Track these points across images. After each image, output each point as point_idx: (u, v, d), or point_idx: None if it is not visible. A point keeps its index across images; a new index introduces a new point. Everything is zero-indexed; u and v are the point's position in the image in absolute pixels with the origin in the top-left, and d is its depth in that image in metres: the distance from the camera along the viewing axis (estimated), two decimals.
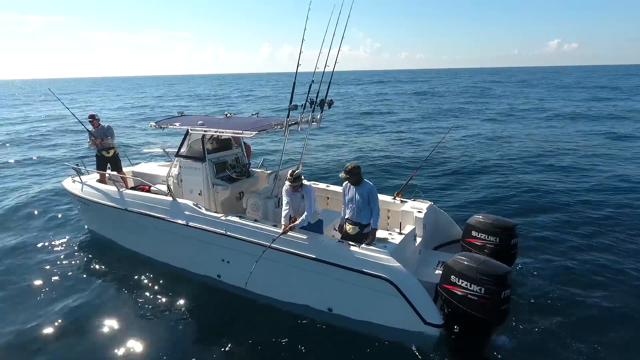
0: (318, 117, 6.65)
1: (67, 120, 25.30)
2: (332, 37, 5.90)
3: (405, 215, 6.67)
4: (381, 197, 6.57)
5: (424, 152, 17.90)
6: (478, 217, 6.20)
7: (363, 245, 5.25)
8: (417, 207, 6.68)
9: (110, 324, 5.78)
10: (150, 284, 6.80)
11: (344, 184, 5.72)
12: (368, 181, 5.58)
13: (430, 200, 6.97)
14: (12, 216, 9.96)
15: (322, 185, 7.83)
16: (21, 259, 7.76)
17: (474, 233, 6.12)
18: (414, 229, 6.12)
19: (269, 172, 7.10)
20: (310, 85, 6.11)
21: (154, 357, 5.14)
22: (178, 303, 6.27)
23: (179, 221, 6.45)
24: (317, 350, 5.11)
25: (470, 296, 4.57)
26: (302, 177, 5.72)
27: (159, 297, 6.45)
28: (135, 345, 5.33)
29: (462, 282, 4.65)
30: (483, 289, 4.49)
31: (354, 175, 5.43)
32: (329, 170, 14.25)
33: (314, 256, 5.35)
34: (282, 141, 6.42)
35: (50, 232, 8.96)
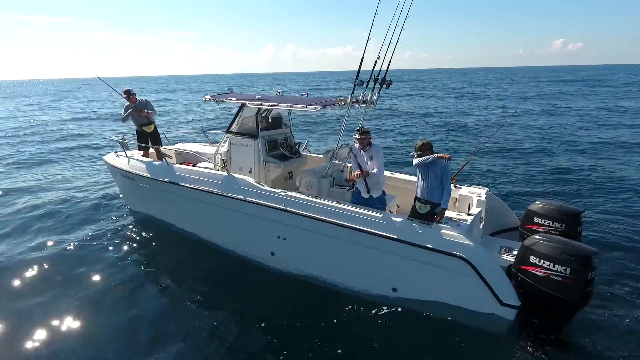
0: (375, 97, 6.64)
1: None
2: (396, 23, 5.92)
3: (462, 200, 6.55)
4: None
5: (471, 136, 17.76)
6: (540, 204, 6.08)
7: (435, 224, 5.14)
8: (475, 193, 6.58)
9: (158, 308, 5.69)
10: (201, 265, 6.74)
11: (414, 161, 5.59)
12: None
13: (484, 187, 6.85)
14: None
15: None
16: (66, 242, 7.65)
17: (536, 219, 5.99)
18: (481, 211, 6.00)
19: (325, 152, 7.00)
20: (375, 62, 6.07)
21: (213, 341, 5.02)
22: (231, 283, 6.17)
23: (236, 196, 6.32)
24: (382, 332, 4.95)
25: (553, 277, 4.45)
26: (370, 133, 5.62)
27: (209, 276, 6.39)
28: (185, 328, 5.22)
29: (544, 263, 4.53)
30: (569, 270, 4.37)
31: (426, 152, 5.28)
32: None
33: (383, 233, 5.22)
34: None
35: (93, 214, 8.85)
